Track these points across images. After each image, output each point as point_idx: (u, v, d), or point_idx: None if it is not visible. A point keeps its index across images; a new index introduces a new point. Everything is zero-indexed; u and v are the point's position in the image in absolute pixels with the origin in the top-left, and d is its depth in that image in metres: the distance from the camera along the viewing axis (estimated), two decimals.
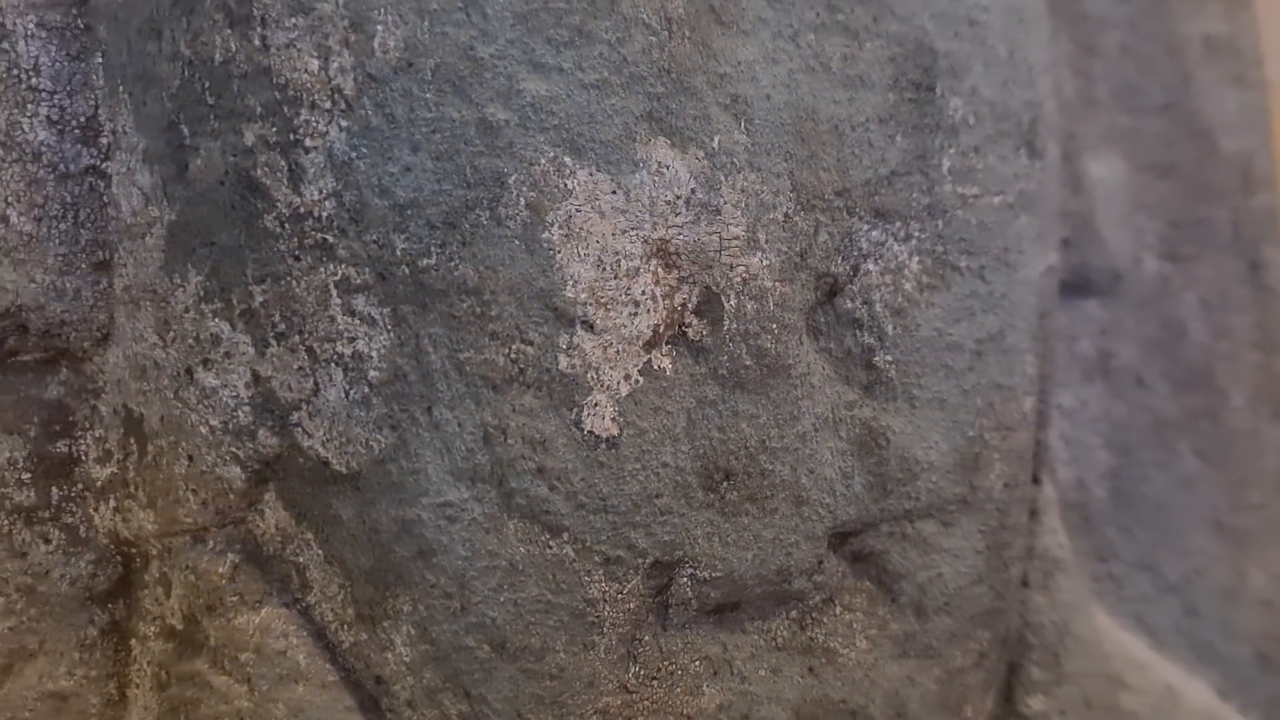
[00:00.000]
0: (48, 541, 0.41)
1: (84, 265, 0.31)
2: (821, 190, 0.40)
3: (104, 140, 0.32)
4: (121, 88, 0.34)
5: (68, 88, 0.35)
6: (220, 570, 0.44)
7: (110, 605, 0.46)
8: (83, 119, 0.33)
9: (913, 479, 0.31)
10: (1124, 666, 0.40)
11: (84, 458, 0.35)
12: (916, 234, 0.33)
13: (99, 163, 0.31)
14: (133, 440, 0.34)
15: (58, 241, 0.31)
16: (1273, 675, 0.51)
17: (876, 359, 0.34)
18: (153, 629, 0.47)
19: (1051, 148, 0.37)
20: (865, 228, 0.35)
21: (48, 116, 0.34)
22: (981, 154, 0.32)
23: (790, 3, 0.42)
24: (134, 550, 0.44)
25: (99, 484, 0.35)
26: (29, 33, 0.39)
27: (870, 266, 0.34)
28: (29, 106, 0.37)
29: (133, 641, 0.47)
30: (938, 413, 0.32)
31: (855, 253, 0.37)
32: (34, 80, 0.38)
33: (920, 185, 0.33)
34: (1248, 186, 0.49)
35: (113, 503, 0.37)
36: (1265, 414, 0.48)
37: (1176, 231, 0.46)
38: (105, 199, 0.31)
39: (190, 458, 0.34)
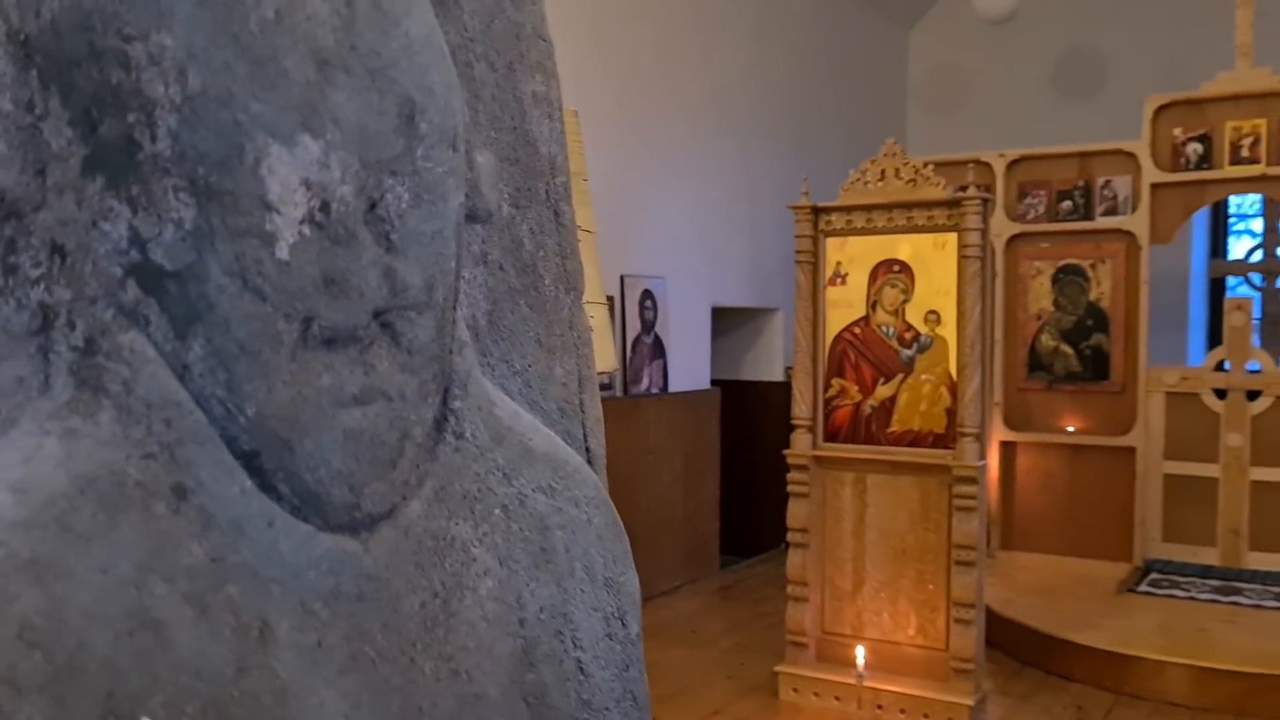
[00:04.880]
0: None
1: (31, 171, 0.52)
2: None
3: (37, 110, 0.53)
4: (51, 84, 0.54)
5: (13, 83, 0.52)
6: None
7: None
8: (25, 101, 0.53)
9: (406, 289, 0.67)
10: (496, 398, 0.80)
11: (24, 265, 0.55)
12: (408, 182, 0.68)
13: (38, 121, 0.52)
14: (55, 256, 0.56)
15: (18, 158, 0.52)
16: (570, 420, 0.97)
17: (393, 236, 0.69)
18: None
19: (462, 147, 0.75)
20: (383, 177, 0.68)
21: (13, 98, 0.52)
22: (436, 149, 0.69)
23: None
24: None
25: (32, 279, 0.55)
26: None
27: (401, 190, 0.66)
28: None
29: None
30: (417, 260, 0.68)
31: (396, 182, 0.68)
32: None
33: (408, 163, 0.69)
34: (553, 171, 0.93)
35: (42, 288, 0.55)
36: (562, 289, 0.92)
37: (518, 193, 0.88)
38: (45, 140, 0.53)
39: (94, 263, 0.56)
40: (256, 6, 0.60)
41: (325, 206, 0.60)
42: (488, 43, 0.86)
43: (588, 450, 0.89)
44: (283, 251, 0.59)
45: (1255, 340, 6.55)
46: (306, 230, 0.60)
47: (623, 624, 0.83)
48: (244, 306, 0.60)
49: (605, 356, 1.32)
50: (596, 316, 1.28)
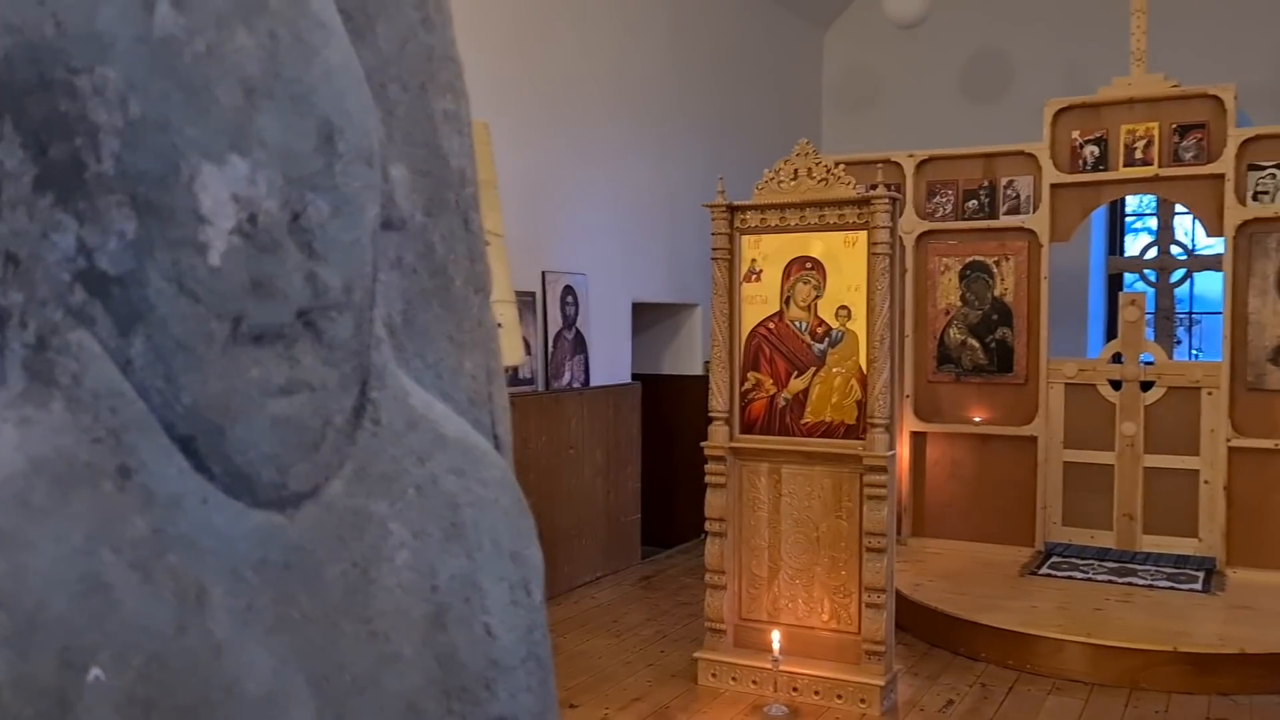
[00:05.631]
0: None
1: None
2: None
3: None
4: (5, 112, 0.60)
5: None
6: None
7: None
8: None
9: (327, 291, 0.75)
10: (411, 389, 0.89)
11: None
12: (328, 195, 0.77)
13: None
14: (9, 263, 0.63)
15: None
16: (479, 409, 1.05)
17: (315, 244, 0.77)
18: None
19: (377, 163, 0.84)
20: (305, 191, 0.77)
21: None
22: (353, 166, 0.77)
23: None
24: None
25: None
26: None
27: (321, 203, 0.74)
28: None
29: None
30: (337, 265, 0.76)
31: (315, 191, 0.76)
32: None
33: (328, 179, 0.78)
34: (463, 183, 1.01)
35: None
36: (471, 290, 1.00)
37: (430, 203, 0.96)
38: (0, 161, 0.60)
39: (44, 270, 0.64)
40: (190, 41, 0.68)
41: (253, 218, 0.68)
42: (401, 65, 0.94)
43: (495, 437, 0.98)
44: (214, 259, 0.67)
45: (1149, 333, 6.87)
46: (236, 240, 0.68)
47: (527, 592, 0.92)
48: (180, 307, 0.67)
49: (514, 351, 1.42)
50: (506, 314, 1.37)
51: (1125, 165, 6.17)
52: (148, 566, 0.66)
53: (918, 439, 6.76)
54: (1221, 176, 5.93)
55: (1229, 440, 5.97)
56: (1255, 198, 5.89)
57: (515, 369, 6.00)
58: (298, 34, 0.73)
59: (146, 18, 0.66)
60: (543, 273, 6.18)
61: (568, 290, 6.35)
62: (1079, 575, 5.94)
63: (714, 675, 4.83)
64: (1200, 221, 6.29)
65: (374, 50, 0.93)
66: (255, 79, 0.70)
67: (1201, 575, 5.86)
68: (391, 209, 0.90)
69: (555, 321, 6.23)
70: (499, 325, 1.25)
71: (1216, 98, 5.98)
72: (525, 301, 6.02)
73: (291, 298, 0.71)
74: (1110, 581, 5.81)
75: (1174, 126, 6.06)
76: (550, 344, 6.20)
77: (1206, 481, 6.10)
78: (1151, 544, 6.26)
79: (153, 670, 0.64)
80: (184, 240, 0.66)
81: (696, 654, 4.91)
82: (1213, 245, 6.73)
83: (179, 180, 0.66)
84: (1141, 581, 5.79)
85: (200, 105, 0.67)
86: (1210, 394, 6.08)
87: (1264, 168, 5.86)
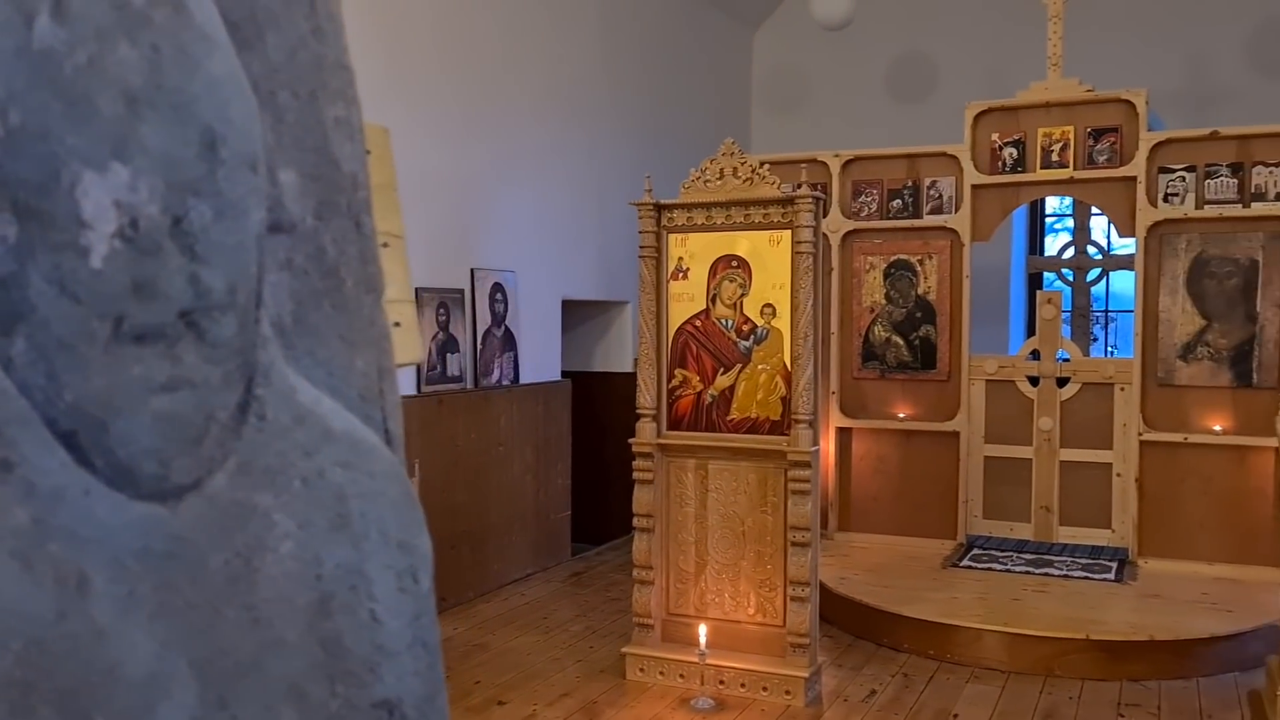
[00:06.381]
0: None
1: None
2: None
3: None
4: None
5: None
6: None
7: None
8: None
9: (210, 292, 0.78)
10: (299, 386, 0.92)
11: None
12: (211, 201, 0.81)
13: None
14: None
15: None
16: (370, 406, 1.09)
17: (197, 247, 0.80)
18: None
19: (262, 169, 0.87)
20: (187, 197, 0.80)
21: None
22: (236, 172, 0.81)
23: None
24: None
25: None
26: None
27: (204, 208, 0.78)
28: None
29: None
30: (219, 267, 0.80)
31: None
32: None
33: (210, 185, 0.81)
34: (355, 187, 1.05)
35: None
36: (363, 290, 1.04)
37: (321, 206, 0.99)
38: None
39: None
40: (70, 54, 0.71)
41: (134, 223, 0.71)
42: (292, 73, 0.97)
43: (387, 431, 1.01)
44: (96, 262, 0.70)
45: (1065, 331, 7.07)
46: (117, 244, 0.71)
47: (414, 580, 0.95)
48: (61, 309, 0.70)
49: (412, 349, 1.45)
50: (405, 314, 1.41)
51: (1042, 167, 6.35)
52: (28, 555, 0.69)
53: (843, 435, 6.88)
54: (1134, 179, 6.13)
55: (1140, 434, 6.18)
56: (1166, 199, 6.10)
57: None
58: (180, 46, 0.76)
59: (26, 31, 0.69)
60: (472, 270, 6.19)
61: (497, 288, 6.36)
62: (998, 566, 6.10)
63: (642, 670, 4.89)
64: (1113, 222, 6.50)
65: (263, 59, 0.96)
66: (137, 90, 0.73)
67: (1115, 565, 6.06)
68: (281, 212, 0.93)
69: (484, 319, 6.25)
70: (397, 324, 1.28)
71: (1129, 102, 6.18)
72: (454, 299, 6.02)
73: (173, 299, 0.74)
74: (1028, 572, 5.98)
75: (1088, 130, 6.25)
76: (479, 341, 6.21)
77: (1119, 474, 6.30)
78: (1068, 535, 6.45)
79: (32, 654, 0.67)
80: (65, 244, 0.69)
81: (625, 649, 4.96)
82: (1127, 245, 6.95)
83: (60, 187, 0.69)
84: (1057, 572, 5.97)
85: (81, 115, 0.70)
86: (1123, 389, 6.28)
87: (1174, 170, 6.07)
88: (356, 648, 0.88)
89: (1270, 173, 5.89)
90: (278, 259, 1.00)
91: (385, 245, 1.30)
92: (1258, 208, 5.91)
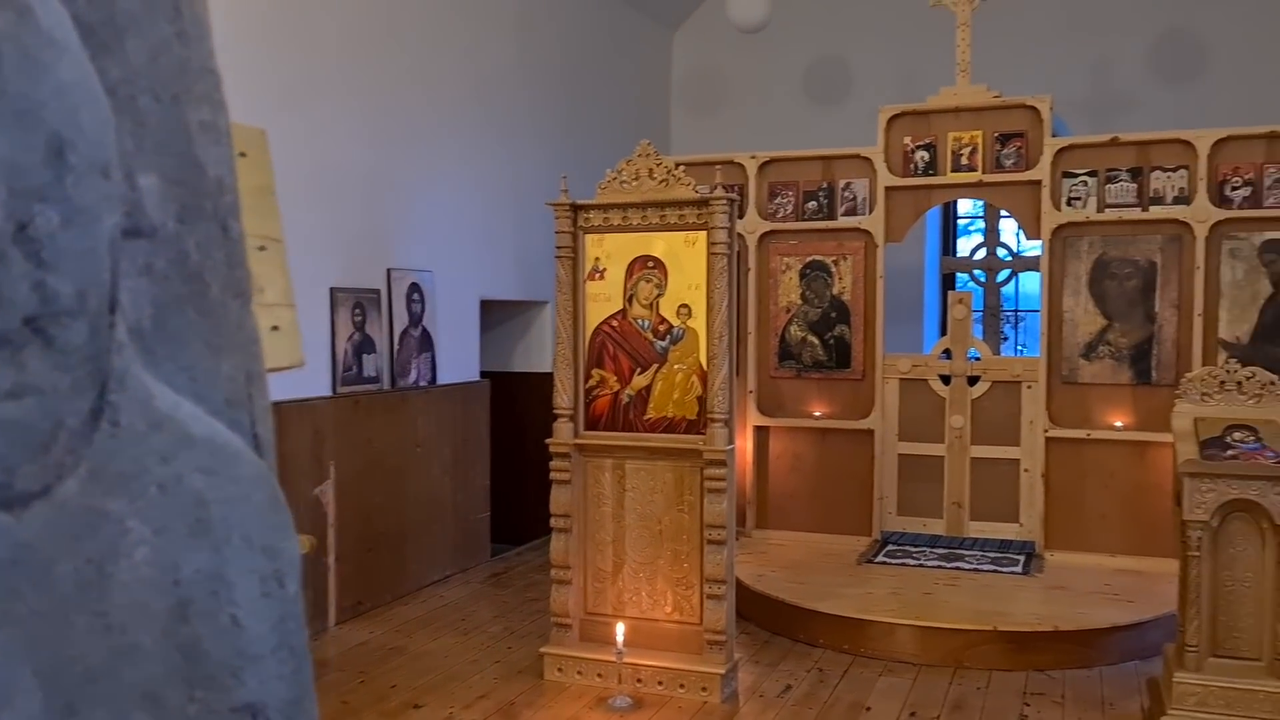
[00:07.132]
0: None
1: None
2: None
3: None
4: None
5: None
6: None
7: None
8: None
9: (57, 298, 0.79)
10: (157, 391, 0.92)
11: None
12: (58, 207, 0.80)
13: None
14: None
15: None
16: (237, 410, 1.08)
17: (44, 254, 0.80)
18: None
19: (115, 174, 0.87)
20: (32, 203, 0.80)
21: None
22: (86, 177, 0.81)
23: None
24: None
25: None
26: None
27: (51, 214, 0.78)
28: None
29: None
30: (68, 273, 0.80)
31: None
32: None
33: (58, 190, 0.81)
34: (221, 191, 1.04)
35: None
36: (230, 295, 1.04)
37: (185, 211, 0.99)
38: None
39: None
40: None
41: None
42: (153, 77, 0.96)
43: (255, 436, 1.01)
44: None
45: (977, 330, 7.24)
46: None
47: (280, 584, 0.95)
48: None
49: (293, 353, 1.44)
50: (285, 318, 1.41)
51: (953, 170, 6.49)
52: None
53: (761, 433, 6.96)
54: (1039, 183, 6.30)
55: (1046, 431, 6.35)
56: (1069, 203, 6.28)
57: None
58: (25, 52, 0.76)
59: None
60: (388, 270, 6.14)
61: (414, 288, 6.32)
62: (912, 561, 6.23)
63: (560, 670, 4.90)
64: (1020, 225, 6.67)
65: (123, 63, 0.96)
66: None
67: (1022, 559, 6.22)
68: (140, 217, 0.93)
69: (401, 319, 6.20)
70: (275, 328, 1.28)
71: (1034, 108, 6.35)
72: (370, 299, 5.97)
73: (18, 305, 0.74)
74: (940, 567, 6.11)
75: (996, 135, 6.41)
76: (396, 342, 6.16)
77: (1026, 470, 6.47)
78: (978, 530, 6.61)
79: None
80: None
81: (543, 649, 4.97)
82: (1036, 247, 7.14)
83: None
84: (968, 566, 6.11)
85: None
86: (1029, 387, 6.45)
87: (1077, 175, 6.26)
88: (216, 653, 0.88)
89: (1168, 177, 6.10)
90: (136, 264, 0.99)
91: (262, 249, 1.30)
92: (1156, 211, 6.12)
